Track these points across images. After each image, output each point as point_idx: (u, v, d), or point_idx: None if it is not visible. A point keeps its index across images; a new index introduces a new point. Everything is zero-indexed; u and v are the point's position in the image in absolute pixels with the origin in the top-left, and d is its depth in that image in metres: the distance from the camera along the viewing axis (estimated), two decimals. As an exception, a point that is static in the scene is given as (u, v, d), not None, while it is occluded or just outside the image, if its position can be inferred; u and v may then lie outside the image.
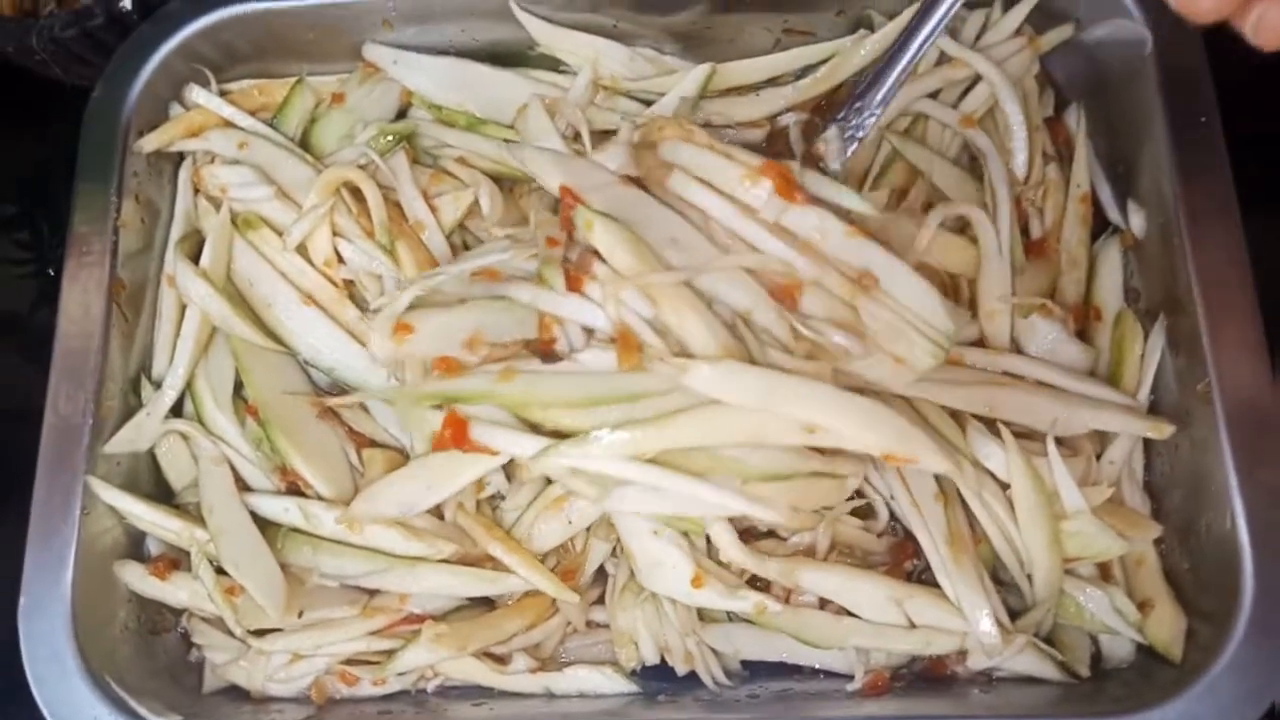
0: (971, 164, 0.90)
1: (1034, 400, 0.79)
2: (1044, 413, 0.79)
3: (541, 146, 0.78)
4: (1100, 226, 0.90)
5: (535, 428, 0.71)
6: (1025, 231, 0.89)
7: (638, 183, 0.73)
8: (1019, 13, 0.90)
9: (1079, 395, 0.81)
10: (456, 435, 0.72)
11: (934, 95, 0.91)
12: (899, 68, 0.80)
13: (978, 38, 0.92)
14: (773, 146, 0.93)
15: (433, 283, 0.75)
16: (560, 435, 0.70)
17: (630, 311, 0.68)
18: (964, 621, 0.76)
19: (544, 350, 0.72)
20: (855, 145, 0.82)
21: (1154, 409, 0.83)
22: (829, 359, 0.68)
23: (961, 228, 0.86)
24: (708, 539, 0.82)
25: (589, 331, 0.71)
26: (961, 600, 0.76)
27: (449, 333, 0.73)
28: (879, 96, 0.81)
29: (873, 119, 0.81)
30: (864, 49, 0.91)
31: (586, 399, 0.69)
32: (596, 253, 0.69)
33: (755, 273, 0.70)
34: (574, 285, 0.70)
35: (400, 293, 0.74)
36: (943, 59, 0.91)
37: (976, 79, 0.90)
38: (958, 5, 0.78)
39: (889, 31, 0.91)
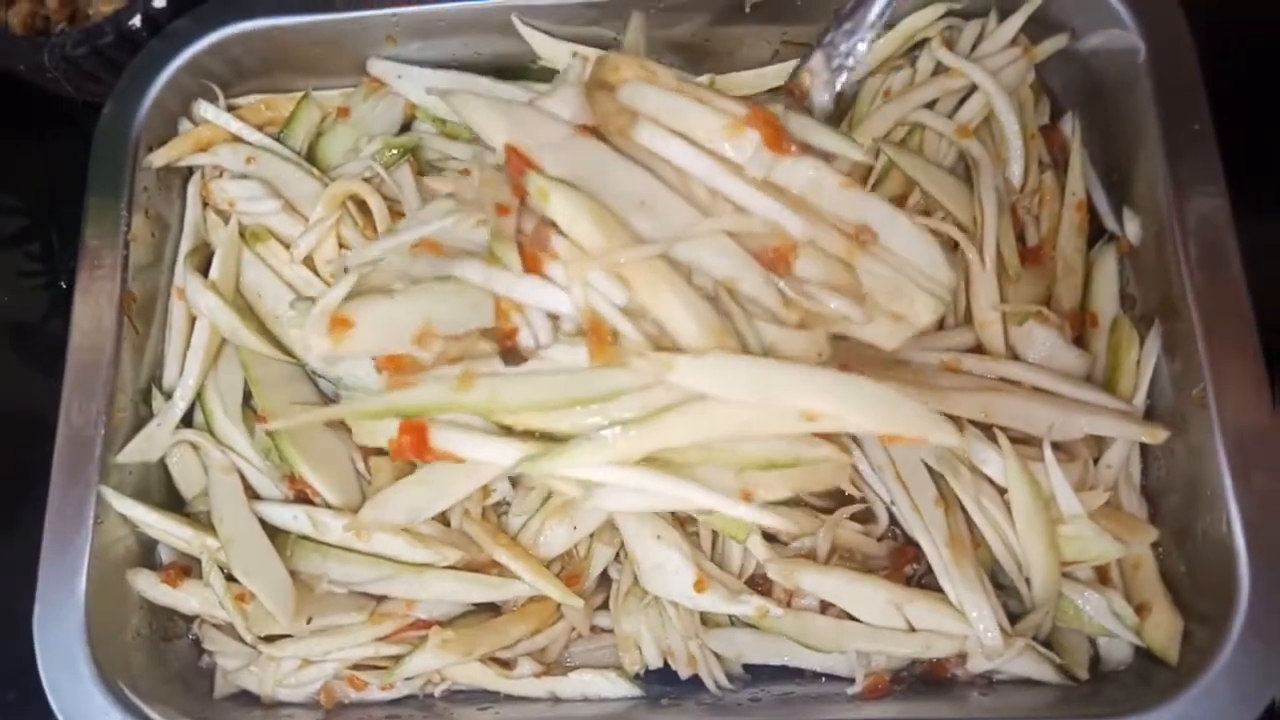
0: (968, 173, 0.91)
1: (1030, 406, 0.80)
2: (1040, 418, 0.80)
3: (482, 94, 0.65)
4: (1096, 233, 0.91)
5: (506, 428, 0.64)
6: (1021, 239, 0.90)
7: (596, 133, 0.63)
8: (1014, 23, 0.91)
9: (1074, 400, 0.81)
10: (415, 443, 0.64)
11: (931, 105, 0.92)
12: None
13: (973, 47, 0.93)
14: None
15: (368, 255, 0.65)
16: (533, 434, 0.63)
17: (599, 295, 0.59)
18: (964, 625, 0.77)
19: (504, 342, 0.61)
20: (845, 75, 0.70)
21: (1150, 414, 0.83)
22: (823, 325, 0.62)
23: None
24: (713, 543, 0.83)
25: (554, 317, 0.61)
26: (963, 602, 0.77)
27: (394, 325, 0.62)
28: (871, 15, 0.68)
29: (864, 44, 0.69)
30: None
31: (558, 401, 0.61)
32: (556, 223, 0.60)
33: (739, 236, 0.61)
34: (532, 266, 0.59)
35: (335, 283, 0.63)
36: (939, 69, 0.92)
37: (972, 88, 0.91)
38: None
39: (890, 39, 0.92)
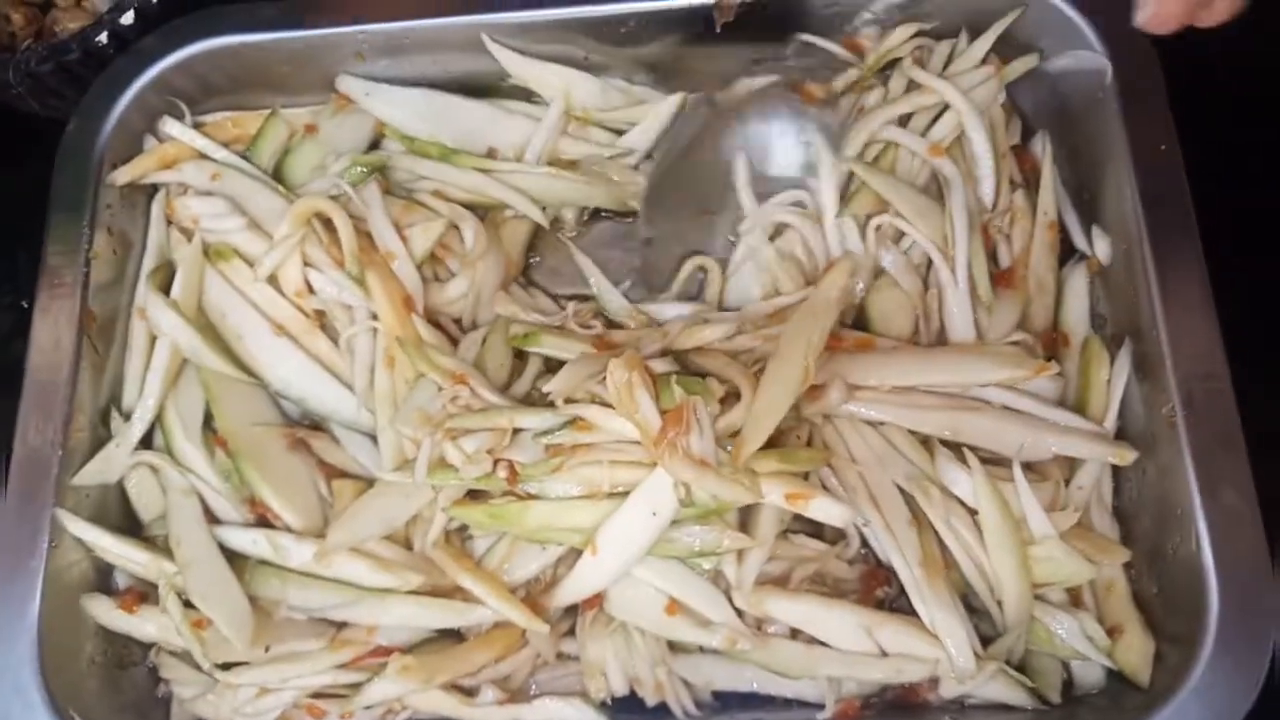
0: (940, 193, 0.90)
1: (999, 425, 0.80)
2: (1009, 438, 0.80)
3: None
4: (1067, 253, 0.91)
5: None
6: (994, 258, 0.89)
7: None
8: (984, 43, 0.92)
9: (1044, 420, 0.81)
10: None
11: (904, 125, 0.92)
12: None
13: (945, 68, 0.93)
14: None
15: None
16: None
17: None
18: (936, 648, 0.76)
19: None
20: None
21: (1121, 434, 0.83)
22: None
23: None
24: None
25: None
26: (936, 622, 0.76)
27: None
28: None
29: None
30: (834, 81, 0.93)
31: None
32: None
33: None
34: None
35: None
36: (910, 88, 0.92)
37: (944, 109, 0.91)
38: None
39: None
